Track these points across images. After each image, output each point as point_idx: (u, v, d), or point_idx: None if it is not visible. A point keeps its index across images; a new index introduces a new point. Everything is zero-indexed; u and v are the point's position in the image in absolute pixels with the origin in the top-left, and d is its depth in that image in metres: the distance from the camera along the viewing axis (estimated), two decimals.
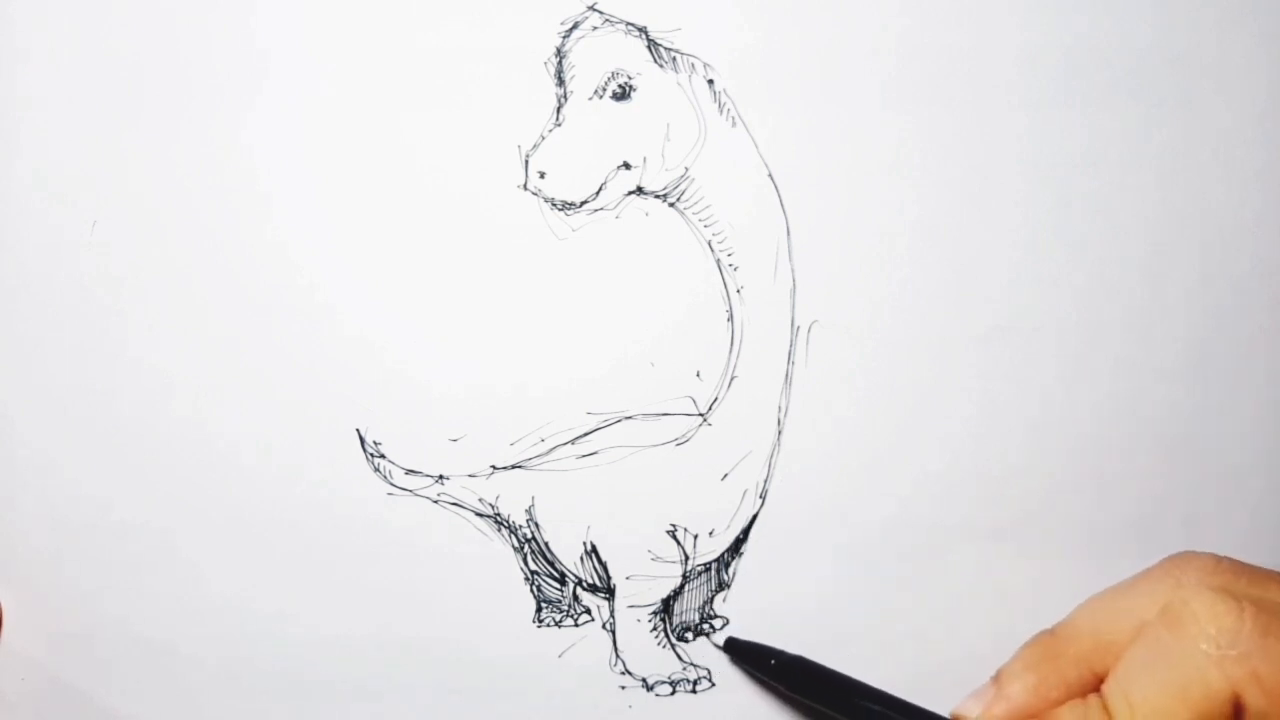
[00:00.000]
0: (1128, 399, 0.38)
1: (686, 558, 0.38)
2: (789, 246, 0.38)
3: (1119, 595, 0.31)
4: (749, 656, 0.37)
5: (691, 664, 0.38)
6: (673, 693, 0.38)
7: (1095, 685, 0.31)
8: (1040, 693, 0.30)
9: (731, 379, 0.38)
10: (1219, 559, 0.30)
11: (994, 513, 0.38)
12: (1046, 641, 0.32)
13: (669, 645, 0.38)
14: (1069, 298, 0.38)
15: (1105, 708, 0.29)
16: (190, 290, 0.38)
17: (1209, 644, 0.28)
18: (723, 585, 0.39)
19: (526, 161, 0.37)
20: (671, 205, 0.37)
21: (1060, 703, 0.30)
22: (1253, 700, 0.27)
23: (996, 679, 0.31)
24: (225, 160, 0.37)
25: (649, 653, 0.38)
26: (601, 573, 0.38)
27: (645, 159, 0.37)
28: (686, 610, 0.39)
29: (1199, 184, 0.38)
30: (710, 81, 0.37)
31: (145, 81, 0.37)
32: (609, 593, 0.38)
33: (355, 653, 0.38)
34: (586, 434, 0.38)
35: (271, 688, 0.39)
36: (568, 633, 0.38)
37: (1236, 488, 0.39)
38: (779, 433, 0.38)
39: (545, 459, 0.38)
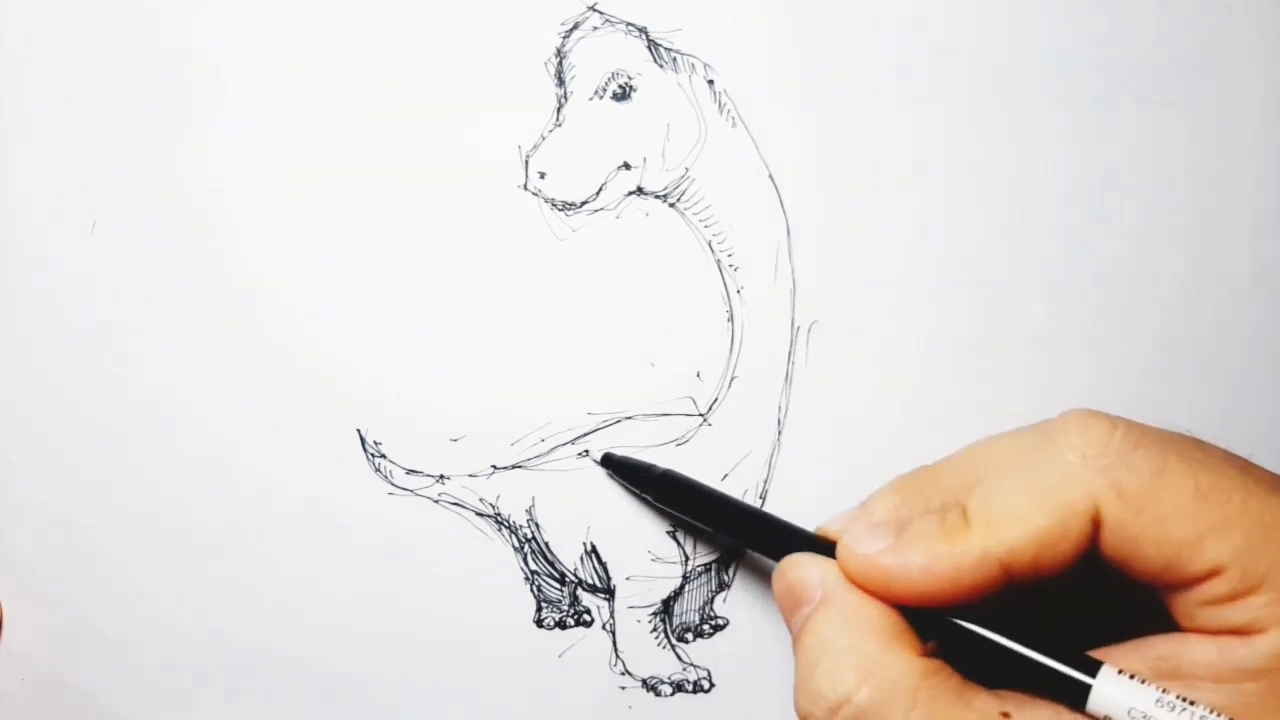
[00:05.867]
0: (1126, 399, 0.38)
1: (687, 558, 0.38)
2: (789, 246, 0.38)
3: (1003, 436, 0.30)
4: (623, 470, 0.37)
5: (691, 664, 0.38)
6: (673, 693, 0.38)
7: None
8: (903, 514, 0.29)
9: (731, 379, 0.38)
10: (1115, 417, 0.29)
11: None
12: (919, 472, 0.30)
13: (669, 645, 0.38)
14: (1069, 298, 0.38)
15: (964, 514, 0.28)
16: (191, 291, 0.38)
17: (1075, 454, 0.27)
18: (723, 585, 0.39)
19: (526, 162, 0.37)
20: (671, 205, 0.37)
21: None
22: (1111, 512, 0.26)
23: (864, 502, 0.30)
24: (226, 160, 0.37)
25: (649, 653, 0.38)
26: (601, 573, 0.38)
27: (645, 159, 0.37)
28: (687, 611, 0.39)
29: (1205, 184, 0.38)
30: (710, 82, 0.37)
31: (146, 82, 0.37)
32: (609, 593, 0.39)
33: (355, 652, 0.38)
34: (586, 434, 0.38)
35: (271, 687, 0.39)
36: (568, 633, 0.38)
37: None
38: (779, 433, 0.38)
39: (545, 459, 0.38)
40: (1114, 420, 0.27)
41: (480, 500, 0.38)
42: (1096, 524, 0.27)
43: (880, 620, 0.28)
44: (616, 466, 0.37)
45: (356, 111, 0.37)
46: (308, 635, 0.38)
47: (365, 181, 0.37)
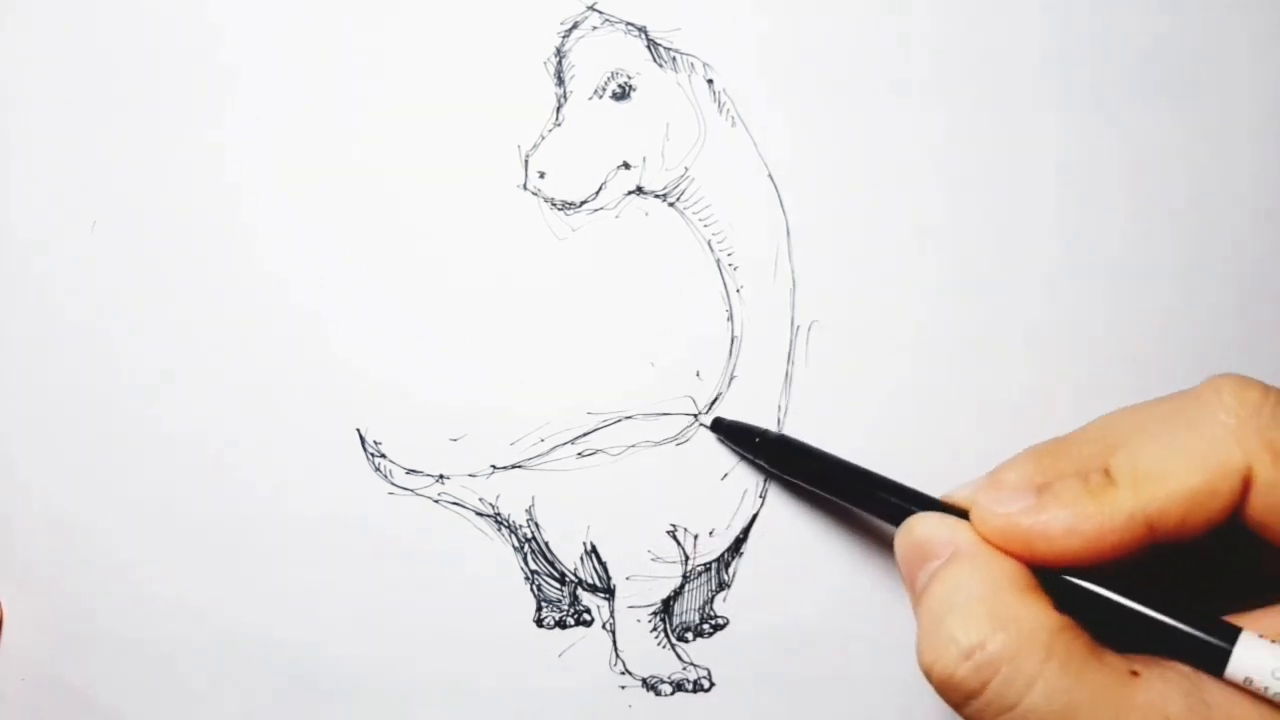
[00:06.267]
0: (1126, 399, 0.38)
1: (686, 558, 0.38)
2: (789, 246, 0.38)
3: (1139, 405, 0.29)
4: (734, 434, 0.37)
5: (691, 664, 0.38)
6: (673, 692, 0.38)
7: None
8: (1037, 481, 0.29)
9: (731, 379, 0.38)
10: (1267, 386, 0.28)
11: None
12: (1051, 442, 0.30)
13: (669, 645, 0.38)
14: (1068, 297, 0.38)
15: (1108, 473, 0.28)
16: (190, 290, 0.38)
17: (1229, 415, 0.27)
18: (723, 585, 0.39)
19: (526, 161, 0.37)
20: (671, 205, 0.37)
21: None
22: (1263, 471, 0.26)
23: (993, 471, 0.30)
24: (226, 160, 0.37)
25: (649, 653, 0.38)
26: (601, 573, 0.38)
27: (645, 159, 0.37)
28: (686, 610, 0.39)
29: (1204, 183, 0.38)
30: (710, 81, 0.37)
31: (145, 82, 0.38)
32: (609, 593, 0.38)
33: (355, 652, 0.38)
34: (586, 434, 0.38)
35: (271, 687, 0.39)
36: (568, 632, 0.38)
37: None
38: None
39: (545, 459, 0.38)
40: (1266, 386, 0.27)
41: (480, 500, 0.38)
42: (1246, 486, 0.26)
43: (1016, 574, 0.28)
44: (727, 431, 0.37)
45: (357, 111, 0.37)
46: (307, 635, 0.38)
47: (365, 181, 0.37)
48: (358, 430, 0.38)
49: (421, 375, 0.38)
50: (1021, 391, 0.38)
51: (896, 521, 0.31)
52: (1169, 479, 0.27)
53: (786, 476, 0.37)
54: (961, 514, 0.29)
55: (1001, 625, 0.26)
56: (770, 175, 0.37)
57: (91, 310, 0.38)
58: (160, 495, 0.38)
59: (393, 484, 0.38)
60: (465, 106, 0.37)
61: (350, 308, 0.38)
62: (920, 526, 0.30)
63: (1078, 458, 0.29)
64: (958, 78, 0.37)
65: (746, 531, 0.38)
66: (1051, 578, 0.28)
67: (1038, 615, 0.27)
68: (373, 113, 0.37)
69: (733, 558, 0.38)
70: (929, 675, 0.28)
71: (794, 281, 0.38)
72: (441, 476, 0.38)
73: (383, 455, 0.38)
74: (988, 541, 0.28)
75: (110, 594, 0.39)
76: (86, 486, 0.38)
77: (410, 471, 0.38)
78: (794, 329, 0.38)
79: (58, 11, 0.38)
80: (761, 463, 0.37)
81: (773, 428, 0.38)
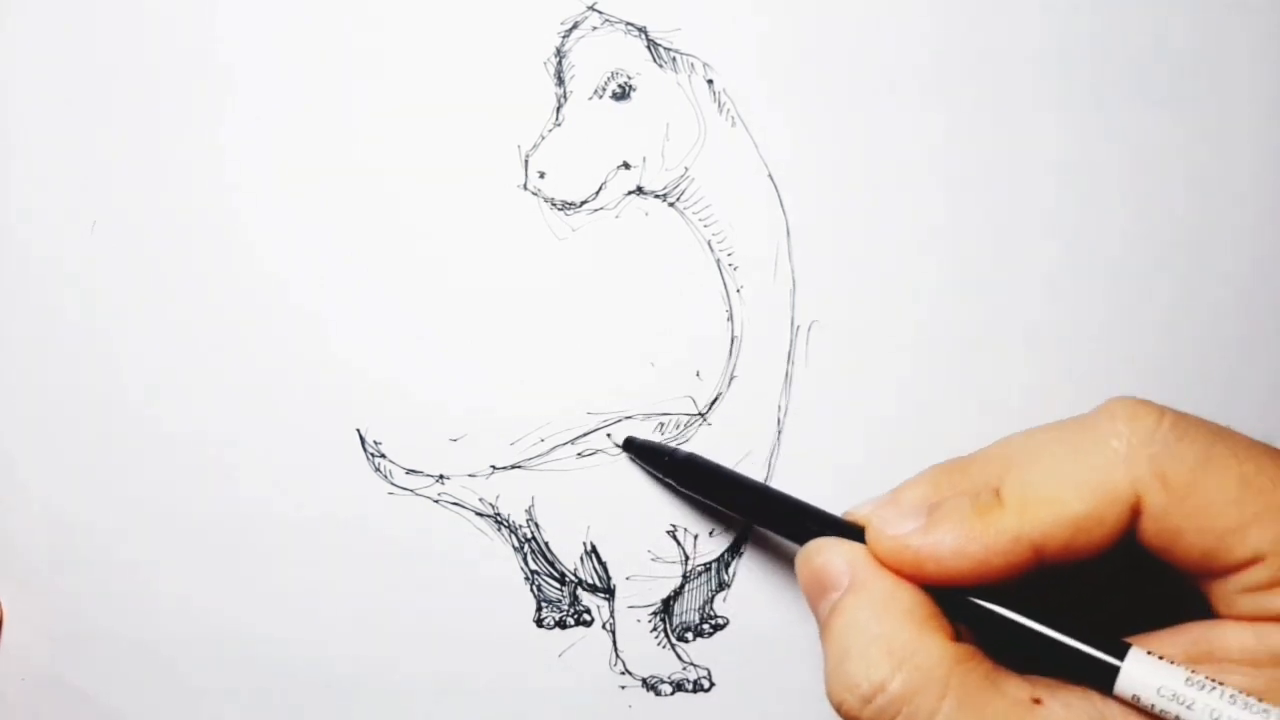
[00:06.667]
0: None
1: (686, 558, 0.38)
2: (789, 246, 0.38)
3: (1040, 428, 0.29)
4: (645, 454, 0.37)
5: (691, 664, 0.38)
6: (673, 692, 0.38)
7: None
8: (934, 501, 0.29)
9: (731, 379, 0.38)
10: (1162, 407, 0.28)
11: None
12: (951, 462, 0.30)
13: (669, 645, 0.38)
14: (1068, 297, 0.38)
15: (999, 495, 0.27)
16: (190, 290, 0.38)
17: (1119, 441, 0.27)
18: (723, 585, 0.39)
19: (526, 161, 0.37)
20: (671, 205, 0.37)
21: None
22: (1153, 499, 0.26)
23: (894, 490, 0.30)
24: (225, 160, 0.37)
25: (649, 653, 0.38)
26: (601, 573, 0.38)
27: (645, 159, 0.37)
28: (686, 610, 0.39)
29: (1204, 184, 0.38)
30: (710, 81, 0.37)
31: (145, 82, 0.38)
32: (609, 593, 0.38)
33: (355, 652, 0.38)
34: (586, 434, 0.38)
35: (271, 687, 0.39)
36: (568, 632, 0.38)
37: None
38: (779, 433, 0.38)
39: (545, 459, 0.38)
40: (1161, 409, 0.27)
41: (480, 500, 0.38)
42: (1135, 512, 0.26)
43: (911, 604, 0.28)
44: (638, 450, 0.37)
45: (356, 111, 0.37)
46: (307, 635, 0.38)
47: (365, 181, 0.37)
48: (358, 430, 0.38)
49: (421, 375, 0.38)
50: (1021, 391, 0.38)
51: (801, 541, 0.31)
52: (1055, 504, 0.27)
53: (696, 496, 0.37)
54: (860, 533, 0.29)
55: (899, 664, 0.27)
56: (770, 175, 0.37)
57: (91, 311, 0.38)
58: (160, 495, 0.38)
59: (393, 484, 0.38)
60: (465, 106, 0.37)
61: (350, 308, 0.38)
62: (818, 556, 0.30)
63: (976, 477, 0.29)
64: (958, 78, 0.37)
65: (746, 531, 0.38)
66: (950, 597, 0.28)
67: (934, 649, 0.27)
68: (373, 113, 0.37)
69: (733, 558, 0.38)
70: (838, 714, 0.28)
71: (794, 281, 0.38)
72: (441, 476, 0.38)
73: (383, 455, 0.38)
74: (882, 563, 0.28)
75: (110, 594, 0.39)
76: (86, 486, 0.38)
77: (410, 472, 0.38)
78: (794, 329, 0.38)
79: (58, 11, 0.38)
80: (671, 482, 0.37)
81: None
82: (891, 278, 0.38)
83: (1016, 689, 0.26)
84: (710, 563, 0.38)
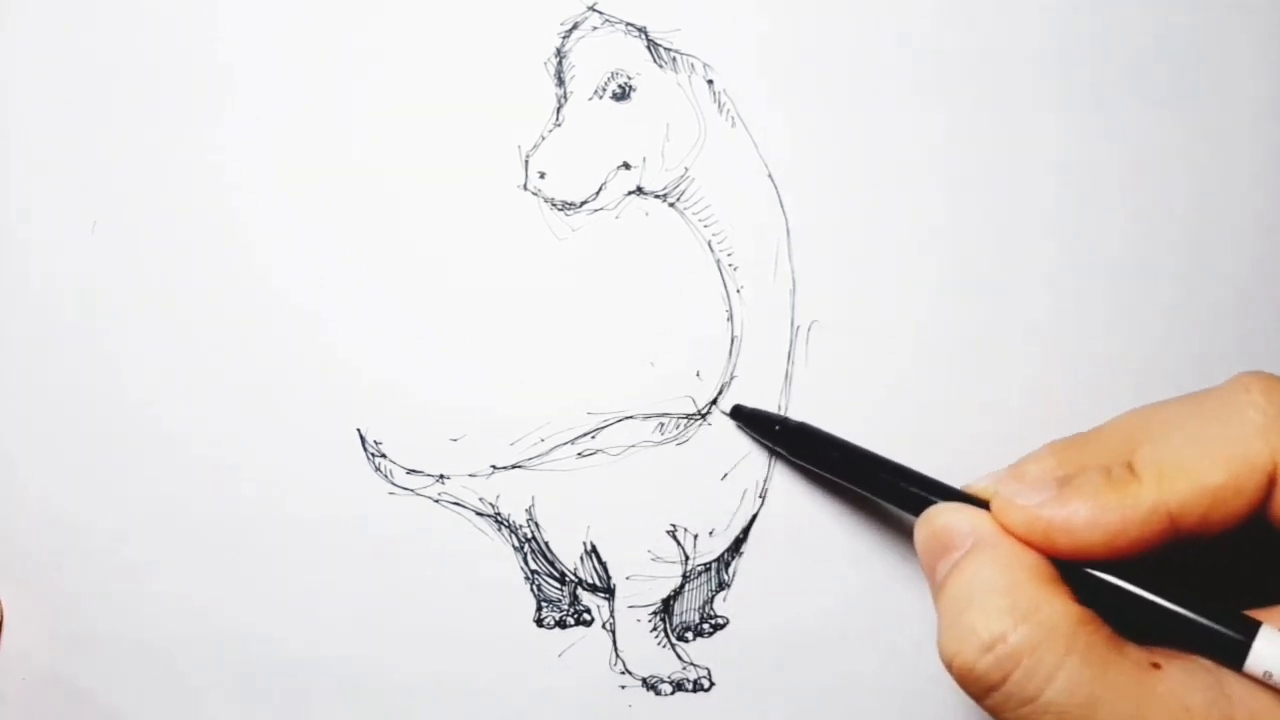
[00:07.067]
0: (1126, 400, 0.38)
1: (686, 557, 0.38)
2: (789, 246, 0.38)
3: (1166, 401, 0.29)
4: (754, 423, 0.37)
5: (691, 664, 0.38)
6: (673, 692, 0.38)
7: None
8: (1059, 475, 0.28)
9: (731, 379, 0.38)
10: None
11: None
12: (1074, 437, 0.30)
13: (669, 645, 0.38)
14: (1068, 297, 0.38)
15: (1132, 467, 0.27)
16: (190, 290, 0.38)
17: (1257, 412, 0.26)
18: (723, 585, 0.39)
19: (526, 162, 0.37)
20: (671, 205, 0.37)
21: None
22: None
23: (1015, 464, 0.30)
24: (225, 160, 0.38)
25: (649, 653, 0.38)
26: (601, 573, 0.38)
27: (645, 159, 0.37)
28: (687, 610, 0.39)
29: (1204, 183, 0.38)
30: (710, 81, 0.37)
31: (145, 82, 0.38)
32: (609, 593, 0.38)
33: (355, 652, 0.38)
34: (586, 434, 0.38)
35: (271, 687, 0.39)
36: (568, 632, 0.38)
37: None
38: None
39: (545, 459, 0.38)
40: None
41: (480, 500, 0.38)
42: (1271, 484, 0.26)
43: (1037, 566, 0.27)
44: (747, 418, 0.37)
45: (356, 111, 0.37)
46: (308, 634, 0.38)
47: (365, 181, 0.37)
48: (358, 430, 0.38)
49: (421, 375, 0.38)
50: (1021, 391, 0.38)
51: (916, 512, 0.31)
52: (1193, 474, 0.27)
53: (806, 465, 0.37)
54: (982, 505, 0.29)
55: (1023, 617, 0.26)
56: (770, 175, 0.37)
57: (91, 311, 0.38)
58: (160, 495, 0.38)
59: (393, 484, 0.38)
60: (465, 106, 0.37)
61: (350, 308, 0.38)
62: (940, 517, 0.30)
63: (1100, 452, 0.29)
64: (958, 78, 0.37)
65: (746, 531, 0.38)
66: (1073, 570, 0.28)
67: (1059, 607, 0.27)
68: (373, 113, 0.37)
69: (733, 558, 0.38)
70: (950, 667, 0.27)
71: (794, 281, 0.38)
72: (441, 476, 0.38)
73: (383, 455, 0.38)
74: (1009, 533, 0.28)
75: (110, 594, 0.39)
76: (86, 486, 0.38)
77: (410, 471, 0.38)
78: (794, 329, 0.38)
79: (58, 11, 0.38)
80: (781, 451, 0.37)
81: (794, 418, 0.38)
82: (891, 278, 0.38)
83: (1137, 653, 0.26)
84: (710, 562, 0.38)
